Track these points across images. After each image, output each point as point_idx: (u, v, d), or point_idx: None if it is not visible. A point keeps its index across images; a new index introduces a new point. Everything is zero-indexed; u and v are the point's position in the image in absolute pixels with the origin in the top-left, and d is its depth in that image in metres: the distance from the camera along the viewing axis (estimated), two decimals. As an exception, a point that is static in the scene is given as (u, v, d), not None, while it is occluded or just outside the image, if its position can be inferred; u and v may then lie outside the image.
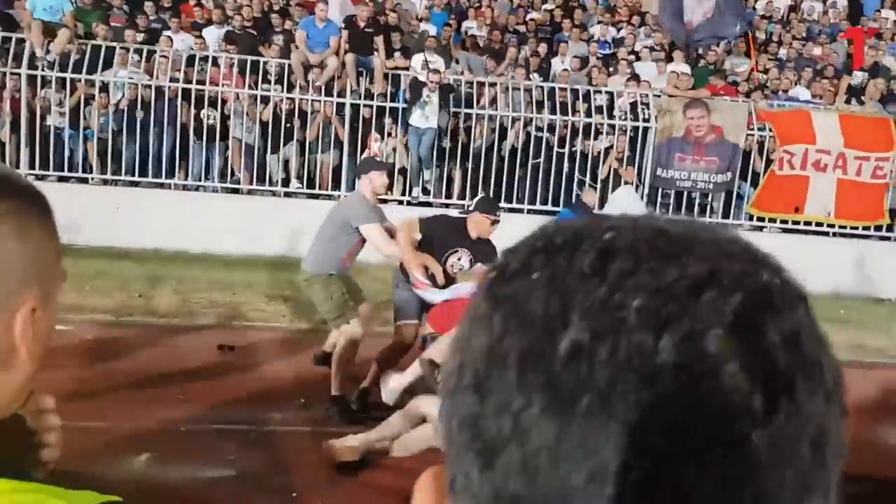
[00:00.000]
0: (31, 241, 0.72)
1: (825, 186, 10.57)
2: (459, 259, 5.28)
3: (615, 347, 0.35)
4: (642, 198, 10.43)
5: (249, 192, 10.12)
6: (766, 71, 12.17)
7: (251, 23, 11.34)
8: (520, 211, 10.21)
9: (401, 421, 4.03)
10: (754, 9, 14.30)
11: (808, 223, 10.76)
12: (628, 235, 0.38)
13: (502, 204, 9.82)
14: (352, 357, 5.13)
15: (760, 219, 10.80)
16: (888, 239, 10.77)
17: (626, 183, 10.15)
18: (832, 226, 10.78)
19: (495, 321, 0.38)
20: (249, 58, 10.14)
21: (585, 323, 0.35)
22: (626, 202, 4.93)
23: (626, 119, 10.50)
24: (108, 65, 9.79)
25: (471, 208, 5.60)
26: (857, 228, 10.80)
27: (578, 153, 10.42)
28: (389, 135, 10.32)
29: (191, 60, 10.09)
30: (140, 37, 10.48)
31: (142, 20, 10.95)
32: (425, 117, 9.81)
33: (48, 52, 9.51)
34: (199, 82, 9.90)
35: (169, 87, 9.72)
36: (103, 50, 9.75)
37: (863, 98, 11.80)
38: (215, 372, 5.69)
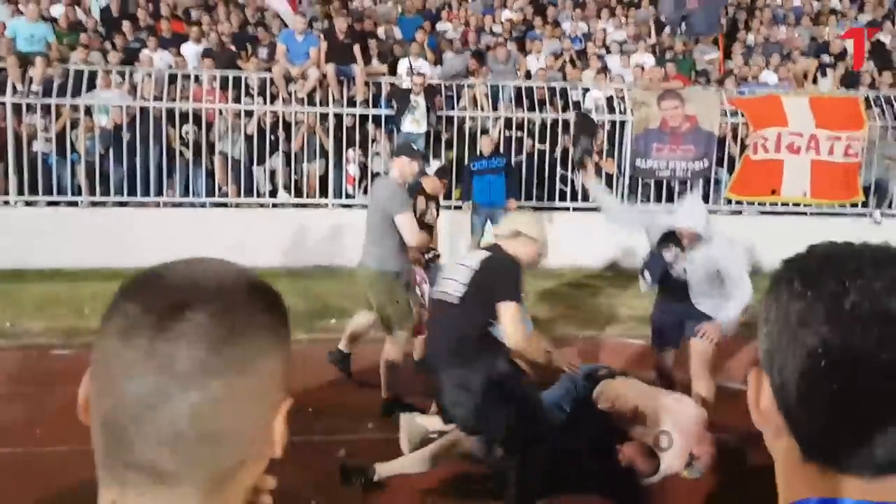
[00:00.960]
0: (286, 345, 0.80)
1: (800, 167, 10.85)
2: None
3: (871, 305, 0.75)
4: (623, 188, 10.69)
5: (237, 205, 10.23)
6: (731, 57, 12.45)
7: (230, 38, 11.45)
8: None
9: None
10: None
11: (785, 204, 11.03)
12: (868, 254, 0.80)
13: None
14: (400, 362, 5.34)
15: (739, 202, 11.08)
16: (864, 216, 11.08)
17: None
18: (809, 205, 11.07)
19: (809, 297, 0.79)
20: (231, 73, 10.26)
21: (857, 294, 0.76)
22: (693, 210, 5.21)
23: (603, 113, 10.73)
24: (90, 87, 9.87)
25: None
26: (833, 207, 11.10)
27: (560, 148, 10.63)
28: (374, 141, 10.47)
29: (172, 79, 10.18)
30: (119, 57, 10.59)
31: (119, 40, 11.04)
32: (416, 121, 10.00)
33: (30, 82, 9.59)
34: (182, 100, 10.00)
35: (153, 107, 9.82)
36: (86, 73, 9.82)
37: (818, 77, 12.10)
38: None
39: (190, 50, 10.98)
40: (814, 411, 0.77)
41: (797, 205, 11.05)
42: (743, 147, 10.90)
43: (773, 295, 0.83)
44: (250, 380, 0.75)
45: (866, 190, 11.12)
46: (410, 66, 10.64)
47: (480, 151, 9.81)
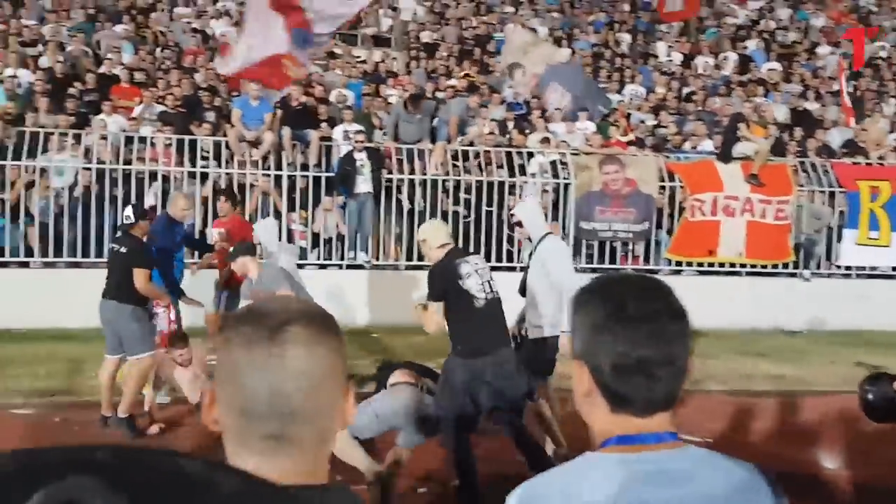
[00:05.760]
0: (344, 348, 1.10)
1: (735, 229, 11.44)
2: None
3: (639, 308, 1.27)
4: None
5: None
6: (660, 125, 13.04)
7: (181, 101, 11.63)
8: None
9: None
10: (646, 66, 15.41)
11: (721, 264, 11.56)
12: (634, 279, 1.38)
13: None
14: None
15: (678, 262, 11.57)
16: (794, 275, 11.66)
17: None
18: (744, 265, 11.62)
19: (604, 310, 1.29)
20: (187, 137, 10.44)
21: (632, 303, 1.28)
22: (524, 206, 6.05)
23: (547, 176, 11.17)
24: (41, 149, 9.90)
25: None
26: (766, 267, 11.68)
27: (505, 210, 10.97)
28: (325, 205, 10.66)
29: (128, 141, 10.31)
30: (69, 120, 10.65)
31: (71, 103, 11.10)
32: (364, 180, 10.28)
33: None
34: (137, 161, 10.15)
35: (109, 169, 9.93)
36: (42, 136, 9.91)
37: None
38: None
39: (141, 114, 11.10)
40: (615, 378, 1.25)
41: (733, 265, 11.58)
42: (681, 210, 11.43)
43: (578, 312, 1.31)
44: (332, 370, 1.05)
45: (796, 249, 11.73)
46: (345, 131, 10.97)
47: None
